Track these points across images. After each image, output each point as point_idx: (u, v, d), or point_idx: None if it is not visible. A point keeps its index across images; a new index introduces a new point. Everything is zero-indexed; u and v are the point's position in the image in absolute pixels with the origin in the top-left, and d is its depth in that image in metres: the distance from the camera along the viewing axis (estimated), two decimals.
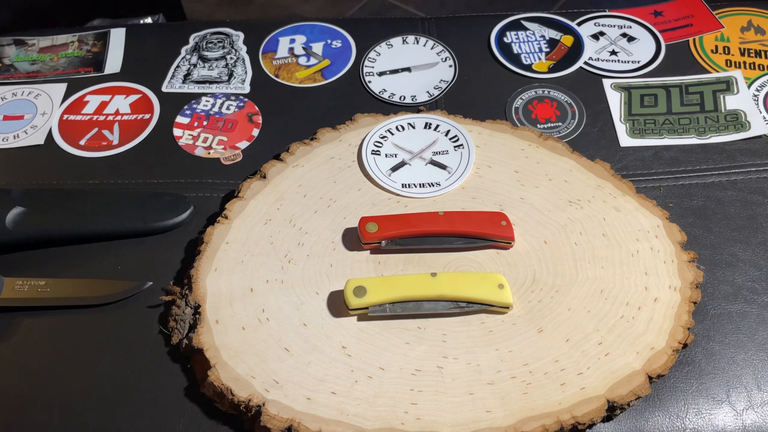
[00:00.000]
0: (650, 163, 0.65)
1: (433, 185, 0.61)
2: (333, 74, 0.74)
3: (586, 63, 0.74)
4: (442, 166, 0.63)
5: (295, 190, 0.61)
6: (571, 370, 0.49)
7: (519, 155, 0.63)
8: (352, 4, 1.52)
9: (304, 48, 0.77)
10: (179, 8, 1.23)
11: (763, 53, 0.74)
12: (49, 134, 0.69)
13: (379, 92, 0.72)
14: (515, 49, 0.76)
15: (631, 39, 0.76)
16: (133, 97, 0.72)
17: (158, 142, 0.68)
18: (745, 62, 0.73)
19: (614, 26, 0.78)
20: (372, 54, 0.76)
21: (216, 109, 0.71)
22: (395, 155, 0.64)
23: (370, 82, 0.73)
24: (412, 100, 0.71)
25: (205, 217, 0.61)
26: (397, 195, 0.61)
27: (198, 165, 0.66)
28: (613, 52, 0.75)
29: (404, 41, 0.77)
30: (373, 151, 0.64)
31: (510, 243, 0.57)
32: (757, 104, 0.69)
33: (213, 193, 0.63)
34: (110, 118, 0.70)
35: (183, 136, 0.68)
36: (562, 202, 0.60)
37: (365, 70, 0.74)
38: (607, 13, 0.80)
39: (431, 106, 0.71)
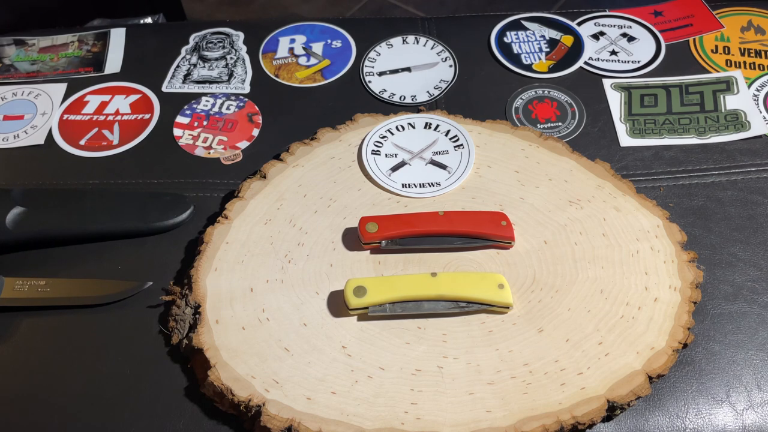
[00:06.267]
0: (650, 163, 0.65)
1: (433, 185, 0.61)
2: (333, 74, 0.74)
3: (586, 63, 0.74)
4: (442, 166, 0.63)
5: (295, 190, 0.61)
6: (571, 370, 0.49)
7: (519, 155, 0.63)
8: (352, 4, 1.52)
9: (304, 48, 0.77)
10: (179, 8, 1.23)
11: (763, 53, 0.74)
12: (49, 134, 0.69)
13: (379, 92, 0.72)
14: (515, 49, 0.76)
15: (631, 39, 0.76)
16: (133, 97, 0.72)
17: (158, 142, 0.68)
18: (745, 62, 0.73)
19: (614, 26, 0.78)
20: (372, 54, 0.76)
21: (216, 109, 0.71)
22: (395, 155, 0.64)
23: (370, 82, 0.73)
24: (412, 100, 0.71)
25: (205, 217, 0.61)
26: (397, 195, 0.61)
27: (198, 165, 0.66)
28: (613, 52, 0.75)
29: (404, 41, 0.77)
30: (373, 151, 0.64)
31: (510, 243, 0.57)
32: (757, 104, 0.69)
33: (213, 193, 0.63)
34: (110, 118, 0.70)
35: (183, 136, 0.68)
36: (562, 202, 0.60)
37: (365, 70, 0.74)
38: (607, 13, 0.80)
39: (431, 106, 0.71)
